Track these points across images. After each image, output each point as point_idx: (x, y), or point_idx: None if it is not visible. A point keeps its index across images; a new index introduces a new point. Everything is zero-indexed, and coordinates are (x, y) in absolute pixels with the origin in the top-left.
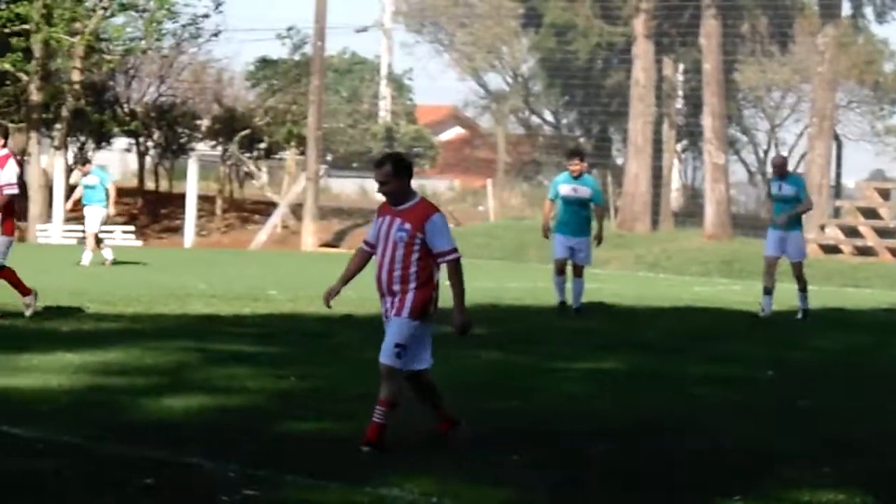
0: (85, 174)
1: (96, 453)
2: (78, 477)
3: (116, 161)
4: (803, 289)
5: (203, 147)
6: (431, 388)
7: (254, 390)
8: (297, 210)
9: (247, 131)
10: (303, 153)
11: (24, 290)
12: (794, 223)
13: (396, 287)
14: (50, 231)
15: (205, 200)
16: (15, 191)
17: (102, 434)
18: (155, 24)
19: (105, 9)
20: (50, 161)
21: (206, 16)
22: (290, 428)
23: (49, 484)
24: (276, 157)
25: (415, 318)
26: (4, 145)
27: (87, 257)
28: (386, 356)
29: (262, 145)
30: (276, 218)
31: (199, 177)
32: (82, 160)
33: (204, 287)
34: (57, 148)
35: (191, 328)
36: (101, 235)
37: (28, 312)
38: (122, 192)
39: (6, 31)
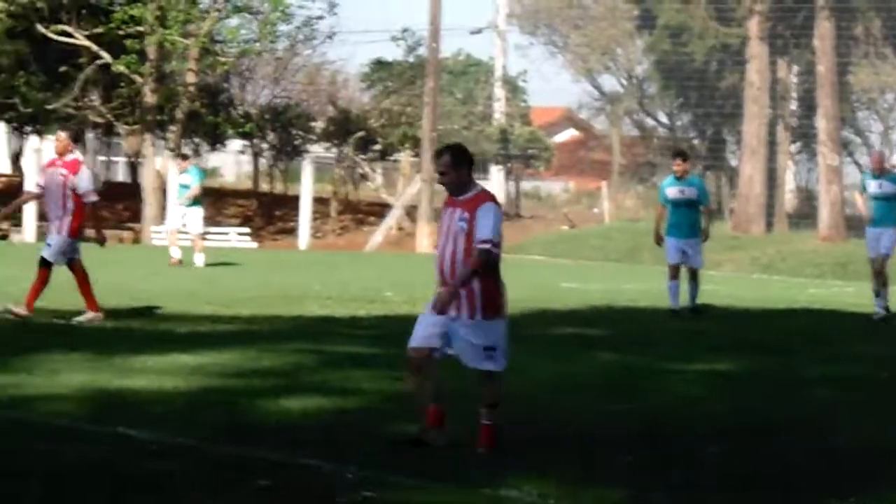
0: (182, 171)
1: (212, 454)
2: (194, 478)
3: (231, 163)
4: (884, 284)
5: (318, 149)
6: (434, 372)
7: (370, 392)
8: (411, 212)
9: (361, 133)
10: (417, 155)
11: (30, 302)
12: (893, 219)
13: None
14: (163, 233)
15: (319, 202)
16: (95, 198)
17: (218, 435)
18: (269, 26)
19: (219, 11)
20: (164, 163)
21: (320, 17)
22: (408, 430)
23: (165, 485)
24: (391, 158)
25: (493, 317)
26: (72, 149)
27: (199, 259)
28: (477, 362)
29: (377, 147)
30: (390, 220)
31: (313, 179)
32: (180, 155)
33: (319, 289)
34: (171, 150)
35: (307, 330)
36: (179, 234)
37: (11, 314)
38: (237, 195)
39: (121, 33)
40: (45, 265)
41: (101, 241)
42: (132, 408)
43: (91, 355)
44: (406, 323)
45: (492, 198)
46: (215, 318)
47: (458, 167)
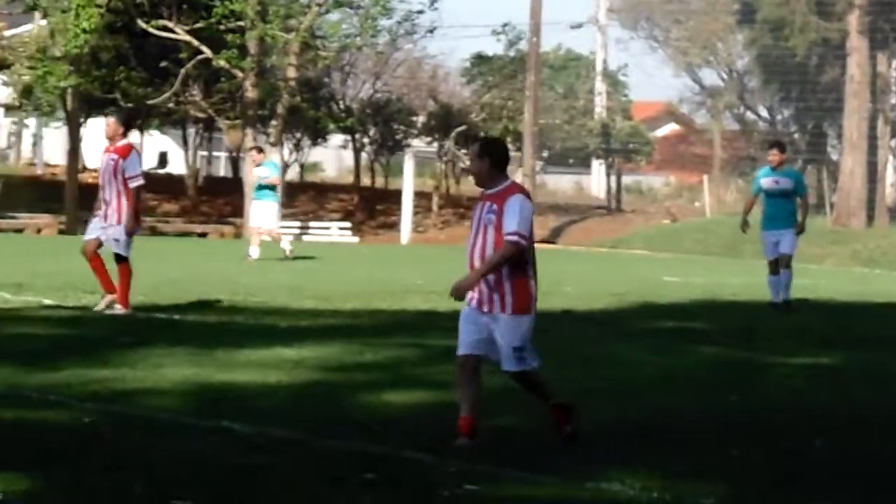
0: (257, 164)
1: (315, 448)
2: (297, 471)
3: (332, 158)
4: None
5: (419, 143)
6: (478, 382)
7: None
8: None
9: (463, 127)
10: (519, 149)
11: (109, 288)
12: None
13: (490, 275)
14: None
15: (421, 196)
16: (140, 182)
17: (321, 429)
18: (370, 20)
19: (320, 5)
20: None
21: (420, 12)
22: (511, 423)
23: (269, 478)
24: None
25: (522, 313)
26: (125, 134)
27: (285, 243)
28: (510, 364)
29: None
30: None
31: (415, 173)
32: (255, 148)
33: (421, 283)
34: (273, 145)
35: (409, 324)
36: (266, 229)
37: (101, 307)
38: (338, 189)
39: (221, 27)
40: (121, 260)
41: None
42: (235, 402)
43: (194, 349)
44: None
45: (521, 190)
46: (317, 312)
47: (481, 158)
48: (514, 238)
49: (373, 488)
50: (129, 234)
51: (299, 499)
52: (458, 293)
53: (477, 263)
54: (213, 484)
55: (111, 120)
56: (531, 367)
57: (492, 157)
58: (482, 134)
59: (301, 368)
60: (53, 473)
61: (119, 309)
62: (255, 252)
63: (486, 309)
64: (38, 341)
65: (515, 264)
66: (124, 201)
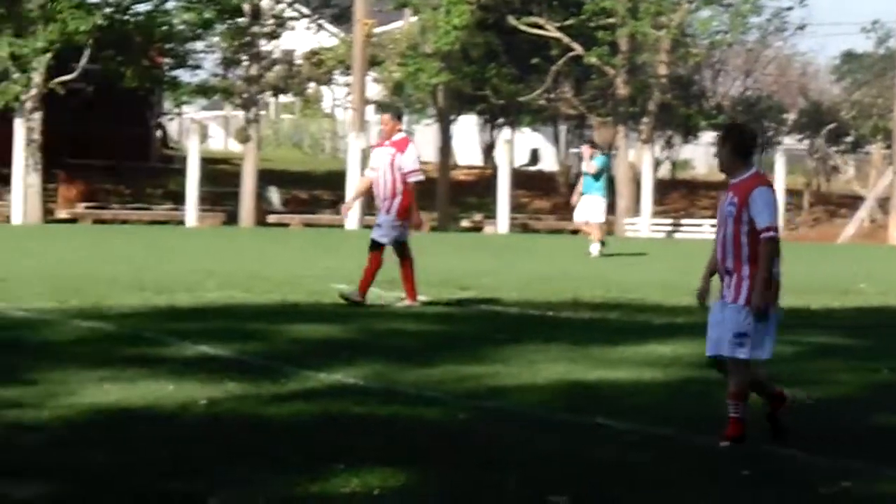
0: (590, 158)
1: (691, 445)
2: (673, 468)
3: (702, 155)
4: None
5: (789, 141)
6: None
7: (846, 383)
8: (884, 204)
9: (833, 125)
10: (889, 147)
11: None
12: None
13: (730, 265)
14: (638, 225)
15: (792, 194)
16: (420, 177)
17: (697, 426)
18: (740, 17)
19: (691, 2)
20: (637, 155)
21: (789, 8)
22: (886, 421)
23: (644, 475)
24: (863, 150)
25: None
26: (400, 128)
27: (594, 248)
28: (727, 349)
29: (849, 139)
30: (863, 212)
31: (786, 170)
32: (589, 142)
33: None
34: (644, 142)
35: (783, 321)
36: (594, 223)
37: (346, 299)
38: (709, 186)
39: (592, 24)
40: (376, 248)
41: (414, 225)
42: (610, 399)
43: (567, 346)
44: (881, 314)
45: (762, 181)
46: (692, 309)
47: (725, 146)
48: (771, 234)
49: (750, 485)
50: (399, 225)
51: (675, 496)
52: (762, 311)
53: (719, 255)
54: (589, 481)
55: (385, 117)
56: (744, 356)
57: (733, 143)
58: (852, 132)
59: (676, 366)
60: (428, 469)
61: (354, 294)
62: (595, 249)
63: (727, 298)
64: (410, 338)
65: (758, 257)
66: (398, 196)
